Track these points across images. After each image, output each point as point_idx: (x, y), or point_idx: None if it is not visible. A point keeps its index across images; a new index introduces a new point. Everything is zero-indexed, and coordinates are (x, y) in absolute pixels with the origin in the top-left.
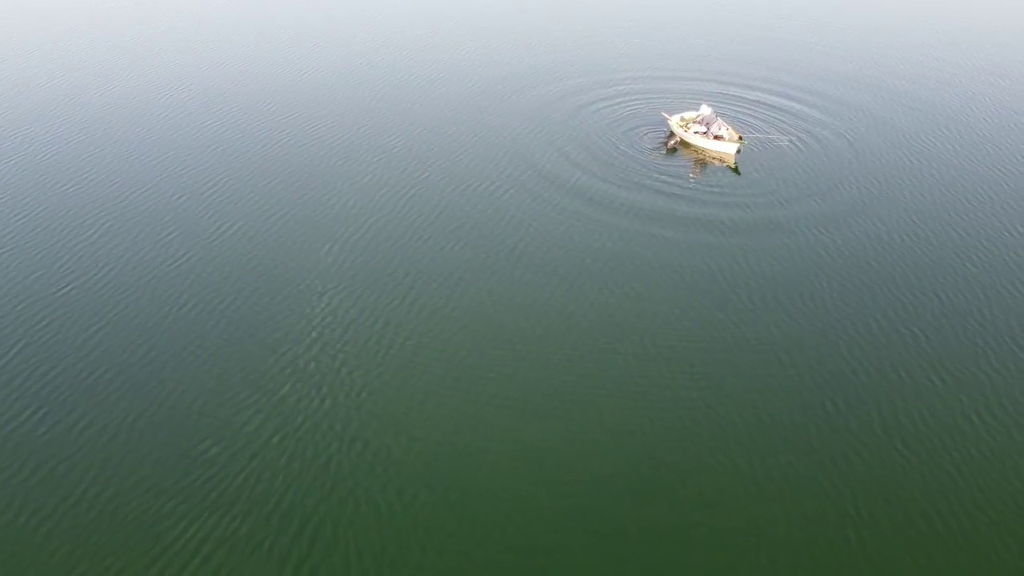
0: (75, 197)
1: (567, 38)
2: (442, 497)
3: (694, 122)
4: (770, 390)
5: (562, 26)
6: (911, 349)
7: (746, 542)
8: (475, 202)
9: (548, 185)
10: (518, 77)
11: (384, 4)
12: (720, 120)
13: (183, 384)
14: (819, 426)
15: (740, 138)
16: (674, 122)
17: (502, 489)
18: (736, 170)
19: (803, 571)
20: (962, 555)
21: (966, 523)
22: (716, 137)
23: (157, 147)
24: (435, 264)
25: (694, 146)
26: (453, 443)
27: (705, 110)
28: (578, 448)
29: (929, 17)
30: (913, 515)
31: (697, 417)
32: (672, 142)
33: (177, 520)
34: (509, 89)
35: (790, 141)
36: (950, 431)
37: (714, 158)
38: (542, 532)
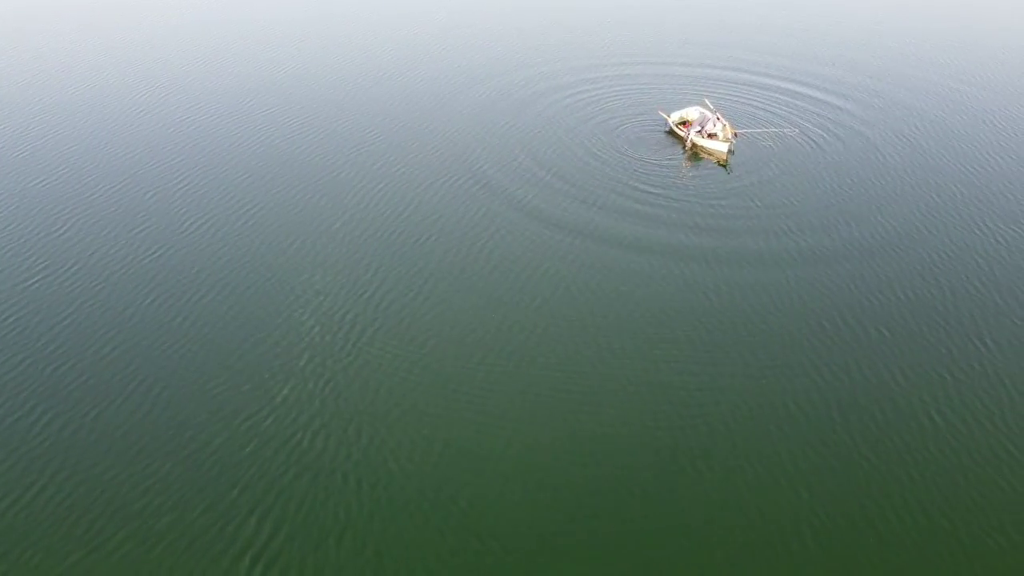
0: (45, 192)
1: (561, 35)
2: (401, 490)
3: (689, 123)
4: (734, 391)
5: (553, 22)
6: (876, 348)
7: (708, 542)
8: (451, 199)
9: (542, 178)
10: (507, 75)
11: (367, 4)
12: (716, 115)
13: (148, 379)
14: (781, 427)
15: (735, 135)
16: (672, 120)
17: (465, 484)
18: (727, 168)
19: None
20: (918, 554)
21: (923, 522)
22: (710, 135)
23: (128, 143)
24: (407, 260)
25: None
26: (416, 438)
27: (696, 113)
28: (545, 449)
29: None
30: (872, 514)
31: (660, 420)
32: (689, 142)
33: (139, 512)
34: (501, 87)
35: (792, 133)
36: (911, 430)
37: (707, 155)
38: (500, 524)
